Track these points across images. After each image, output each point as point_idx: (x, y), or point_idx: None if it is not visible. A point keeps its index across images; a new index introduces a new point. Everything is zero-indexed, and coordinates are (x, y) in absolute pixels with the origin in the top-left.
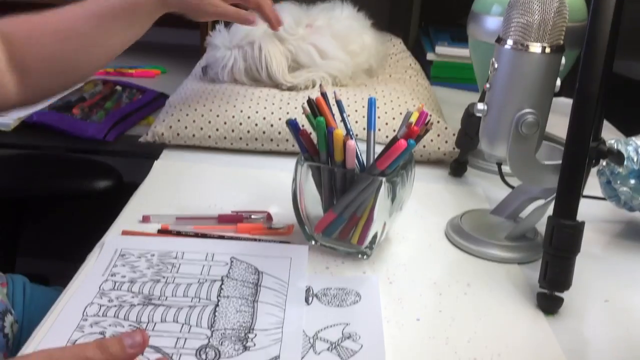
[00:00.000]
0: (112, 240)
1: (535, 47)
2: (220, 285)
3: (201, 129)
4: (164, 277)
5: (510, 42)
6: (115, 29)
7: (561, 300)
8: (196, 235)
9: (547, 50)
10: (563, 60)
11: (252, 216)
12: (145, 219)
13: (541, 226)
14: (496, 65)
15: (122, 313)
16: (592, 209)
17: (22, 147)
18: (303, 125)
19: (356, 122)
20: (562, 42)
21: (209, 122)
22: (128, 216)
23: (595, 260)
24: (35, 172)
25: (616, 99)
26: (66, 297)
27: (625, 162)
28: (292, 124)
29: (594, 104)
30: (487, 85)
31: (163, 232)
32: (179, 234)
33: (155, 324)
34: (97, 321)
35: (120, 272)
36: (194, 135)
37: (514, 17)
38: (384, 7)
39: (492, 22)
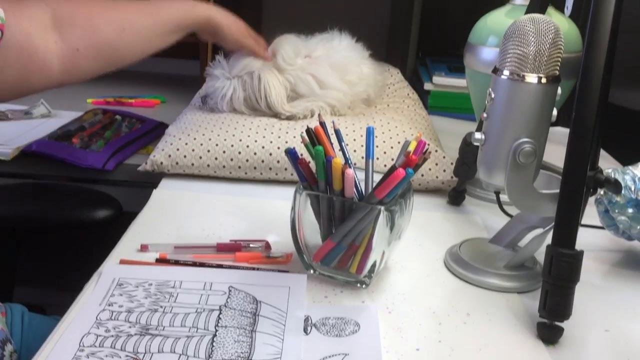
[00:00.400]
0: (109, 269)
1: (532, 78)
2: (218, 315)
3: (200, 158)
4: (161, 307)
5: (506, 72)
6: (164, 33)
7: (561, 330)
8: (194, 264)
9: (543, 80)
10: (559, 91)
11: (251, 245)
12: (144, 248)
13: (540, 255)
14: (493, 95)
15: (119, 343)
16: (591, 238)
17: (21, 177)
18: (302, 154)
19: (355, 151)
20: (558, 72)
21: (208, 151)
22: (126, 245)
23: (595, 290)
24: (34, 201)
25: (613, 129)
26: (63, 327)
27: (622, 191)
28: (290, 153)
29: (591, 134)
30: (485, 115)
31: (161, 261)
32: (177, 263)
33: (152, 354)
34: (93, 352)
35: (118, 301)
36: (192, 164)
37: (509, 49)
38: (382, 38)
39: (489, 53)
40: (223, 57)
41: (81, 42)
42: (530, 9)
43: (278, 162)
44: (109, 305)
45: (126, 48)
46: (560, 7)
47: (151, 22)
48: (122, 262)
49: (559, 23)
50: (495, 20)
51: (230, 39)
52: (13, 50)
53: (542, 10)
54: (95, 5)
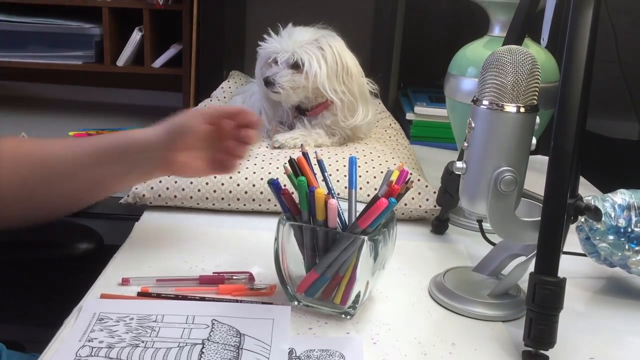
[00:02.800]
0: (90, 304)
1: (510, 107)
2: (201, 349)
3: (183, 189)
4: (143, 342)
5: (485, 102)
6: (93, 164)
7: (546, 358)
8: (176, 297)
9: (522, 110)
10: (538, 120)
11: (234, 277)
12: (125, 282)
13: (524, 283)
14: (473, 125)
15: None
16: (573, 265)
17: None
18: (285, 185)
19: (337, 181)
20: (536, 102)
21: (191, 182)
22: (107, 279)
23: (579, 317)
24: (13, 235)
25: (592, 156)
26: None
27: (603, 218)
28: (273, 184)
29: (570, 162)
30: (465, 144)
31: (143, 294)
32: (159, 296)
33: None
34: None
35: (98, 337)
36: (175, 196)
37: (488, 79)
38: (363, 69)
39: (468, 84)
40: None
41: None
42: (507, 41)
43: (261, 193)
44: (89, 340)
45: (45, 186)
46: (536, 39)
47: (77, 151)
48: (103, 296)
49: (536, 54)
50: (474, 52)
51: (209, 111)
52: None
53: (519, 42)
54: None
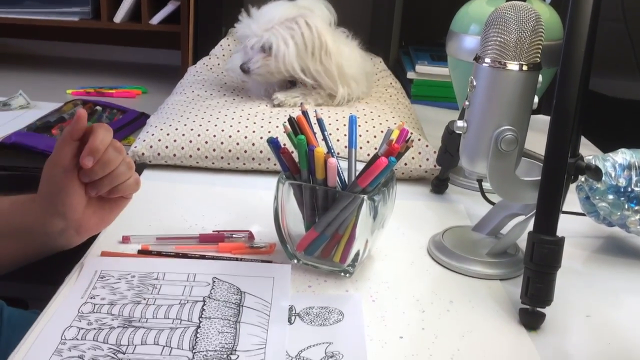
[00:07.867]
0: (91, 261)
1: (513, 65)
2: (202, 306)
3: (182, 148)
4: (144, 299)
5: (488, 60)
6: None
7: (543, 315)
8: (177, 255)
9: (525, 68)
10: (540, 78)
11: (234, 235)
12: (125, 240)
13: (522, 242)
14: (475, 83)
15: (101, 336)
16: (572, 225)
17: (0, 169)
18: (284, 144)
19: (337, 140)
20: (539, 60)
21: (190, 141)
22: (107, 237)
23: (576, 276)
24: (12, 193)
25: (593, 116)
26: (44, 320)
27: (603, 178)
28: (273, 143)
29: (571, 121)
30: (467, 103)
31: (143, 252)
32: (159, 254)
33: (135, 346)
34: (75, 345)
35: (100, 294)
36: (175, 155)
37: (491, 36)
38: (364, 27)
39: (470, 41)
40: (245, 15)
41: None
42: None
43: (261, 152)
44: (91, 297)
45: None
46: None
47: None
48: (104, 254)
49: (540, 11)
50: (477, 8)
51: (63, 156)
52: None
53: None
54: None
